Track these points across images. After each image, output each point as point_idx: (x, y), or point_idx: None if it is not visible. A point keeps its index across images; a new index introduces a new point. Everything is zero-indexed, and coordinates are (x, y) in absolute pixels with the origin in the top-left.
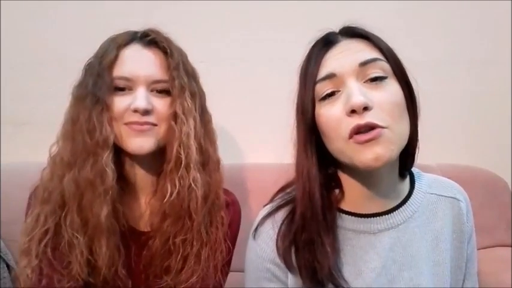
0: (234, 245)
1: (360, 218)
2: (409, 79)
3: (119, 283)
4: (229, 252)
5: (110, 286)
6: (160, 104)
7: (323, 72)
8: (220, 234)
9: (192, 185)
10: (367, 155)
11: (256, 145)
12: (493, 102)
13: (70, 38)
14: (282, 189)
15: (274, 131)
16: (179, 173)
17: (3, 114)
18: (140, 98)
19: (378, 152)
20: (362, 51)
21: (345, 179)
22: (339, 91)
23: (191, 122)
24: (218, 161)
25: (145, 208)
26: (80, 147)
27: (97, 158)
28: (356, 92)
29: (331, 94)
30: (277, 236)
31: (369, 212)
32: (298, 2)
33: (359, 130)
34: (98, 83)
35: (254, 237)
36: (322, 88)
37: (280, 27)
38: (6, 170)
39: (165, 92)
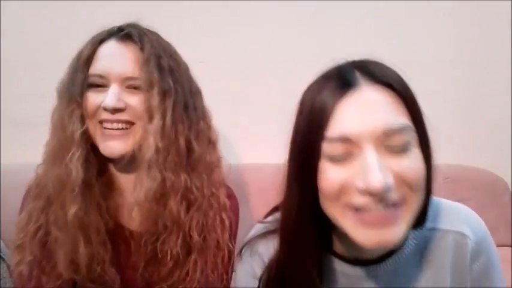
0: (234, 240)
1: (347, 264)
2: (426, 126)
3: (107, 280)
4: (232, 253)
5: (97, 284)
6: (135, 101)
7: (335, 129)
8: (222, 237)
9: (172, 186)
10: (370, 238)
11: (255, 145)
12: (493, 102)
13: (70, 38)
14: (276, 209)
15: (274, 130)
16: (149, 174)
17: (3, 114)
18: (110, 96)
19: (385, 238)
20: (387, 111)
21: (336, 230)
22: (352, 154)
23: (157, 120)
24: (215, 162)
25: (133, 209)
26: (56, 144)
27: (67, 155)
28: (375, 169)
29: (341, 155)
30: (264, 266)
31: (359, 258)
32: (297, 2)
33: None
34: (74, 79)
35: (250, 254)
36: (331, 148)
37: (281, 28)
38: (6, 170)
39: (140, 89)
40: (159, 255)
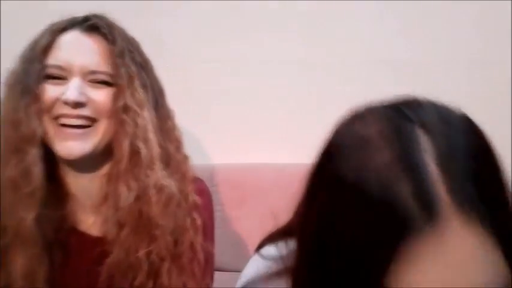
0: (211, 239)
1: None
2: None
3: None
4: (210, 256)
5: None
6: (98, 96)
7: None
8: (195, 239)
9: (155, 185)
10: None
11: (255, 145)
12: (493, 102)
13: None
14: (271, 238)
15: (275, 130)
16: (136, 172)
17: None
18: (71, 89)
19: None
20: (482, 264)
21: None
22: None
23: (146, 114)
24: (183, 160)
25: (92, 213)
26: (3, 142)
27: (22, 155)
28: None
29: None
30: None
31: None
32: (297, 2)
33: None
34: (28, 70)
35: None
36: None
37: (275, 29)
38: None
39: (105, 83)
40: (136, 266)
